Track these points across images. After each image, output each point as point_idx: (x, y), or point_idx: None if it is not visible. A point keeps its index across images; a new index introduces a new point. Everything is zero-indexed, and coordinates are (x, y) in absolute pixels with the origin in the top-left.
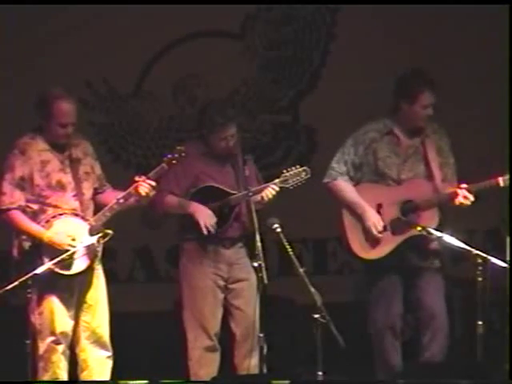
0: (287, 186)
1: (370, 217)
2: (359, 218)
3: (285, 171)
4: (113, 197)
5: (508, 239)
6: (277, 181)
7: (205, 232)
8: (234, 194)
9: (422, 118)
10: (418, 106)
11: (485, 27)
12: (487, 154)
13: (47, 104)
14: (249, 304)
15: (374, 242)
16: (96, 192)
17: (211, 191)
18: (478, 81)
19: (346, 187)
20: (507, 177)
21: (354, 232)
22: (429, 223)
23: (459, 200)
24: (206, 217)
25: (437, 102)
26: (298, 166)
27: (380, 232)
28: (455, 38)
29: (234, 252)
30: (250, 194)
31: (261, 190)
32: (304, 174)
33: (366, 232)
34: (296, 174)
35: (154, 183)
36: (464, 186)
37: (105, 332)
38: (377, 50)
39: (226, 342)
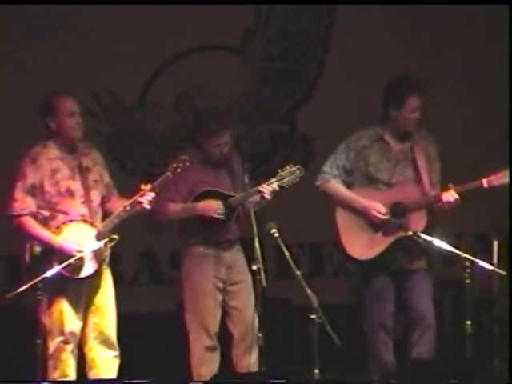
0: (283, 184)
1: (371, 206)
2: (355, 218)
3: (280, 170)
4: (119, 204)
5: (495, 242)
6: (273, 180)
7: (221, 217)
8: (233, 196)
9: (411, 121)
10: (405, 110)
11: (485, 27)
12: (484, 155)
13: (50, 102)
14: (246, 305)
15: (366, 242)
16: (104, 199)
17: (211, 195)
18: (477, 81)
19: (340, 187)
20: (491, 178)
21: (347, 234)
22: (418, 224)
23: (447, 198)
24: (214, 208)
25: (429, 104)
26: (291, 165)
27: (384, 217)
28: (454, 39)
29: (232, 255)
30: (249, 196)
31: (259, 191)
32: (298, 172)
33: (359, 233)
34: (291, 173)
35: (153, 194)
36: (450, 186)
37: (112, 332)
38: (370, 62)
39: (226, 341)
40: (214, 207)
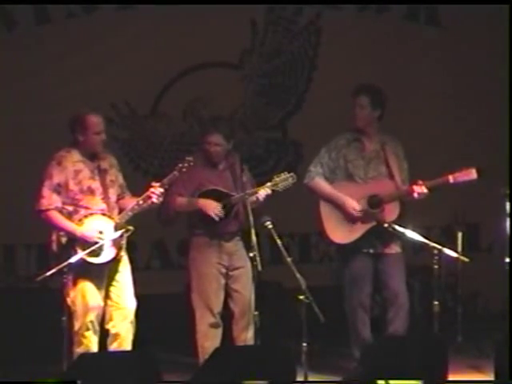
0: (277, 189)
1: (349, 203)
2: (336, 209)
3: (275, 177)
4: (132, 201)
5: (459, 234)
6: (268, 184)
7: (216, 218)
8: (233, 195)
9: (359, 117)
10: (356, 106)
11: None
12: (451, 157)
13: (82, 120)
14: (245, 287)
15: (346, 229)
16: (119, 197)
17: (214, 193)
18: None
19: (324, 184)
20: (457, 174)
21: (329, 222)
22: (391, 214)
23: (417, 191)
24: (213, 207)
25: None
26: (286, 173)
27: (359, 212)
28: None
29: (233, 244)
30: (247, 196)
31: (255, 192)
32: (291, 179)
33: (340, 221)
34: (284, 179)
35: (162, 190)
36: (420, 182)
37: (131, 308)
38: (352, 77)
39: (227, 318)
40: (213, 207)
